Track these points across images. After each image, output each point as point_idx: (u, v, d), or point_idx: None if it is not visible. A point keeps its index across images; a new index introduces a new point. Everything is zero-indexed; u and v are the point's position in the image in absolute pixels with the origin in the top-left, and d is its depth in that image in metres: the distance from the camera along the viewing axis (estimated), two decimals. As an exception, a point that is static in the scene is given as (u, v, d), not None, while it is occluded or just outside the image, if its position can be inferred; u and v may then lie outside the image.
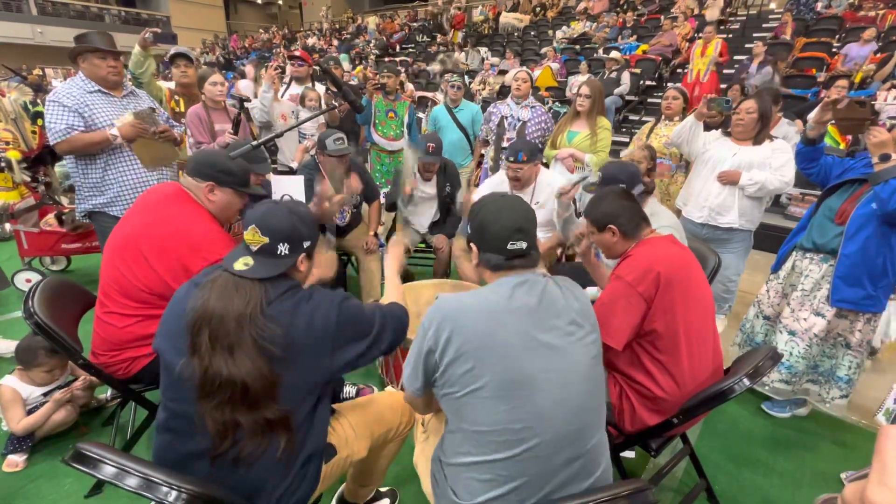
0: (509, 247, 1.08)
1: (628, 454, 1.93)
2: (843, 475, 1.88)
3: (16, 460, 1.76)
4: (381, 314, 1.19)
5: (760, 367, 1.31)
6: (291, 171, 3.41)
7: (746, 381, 1.27)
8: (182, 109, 3.12)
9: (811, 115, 4.84)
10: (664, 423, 1.40)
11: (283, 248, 1.07)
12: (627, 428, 1.47)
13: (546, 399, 0.98)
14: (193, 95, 3.26)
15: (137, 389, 1.64)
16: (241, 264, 1.05)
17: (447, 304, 1.05)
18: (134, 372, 1.58)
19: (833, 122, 2.01)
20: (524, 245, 1.09)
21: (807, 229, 2.09)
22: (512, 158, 2.51)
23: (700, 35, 6.70)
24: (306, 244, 1.12)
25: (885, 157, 1.74)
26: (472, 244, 1.17)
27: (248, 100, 3.12)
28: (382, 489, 1.65)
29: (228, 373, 0.97)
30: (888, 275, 1.85)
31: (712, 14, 8.31)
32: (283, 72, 3.78)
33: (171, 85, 3.36)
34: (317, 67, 3.88)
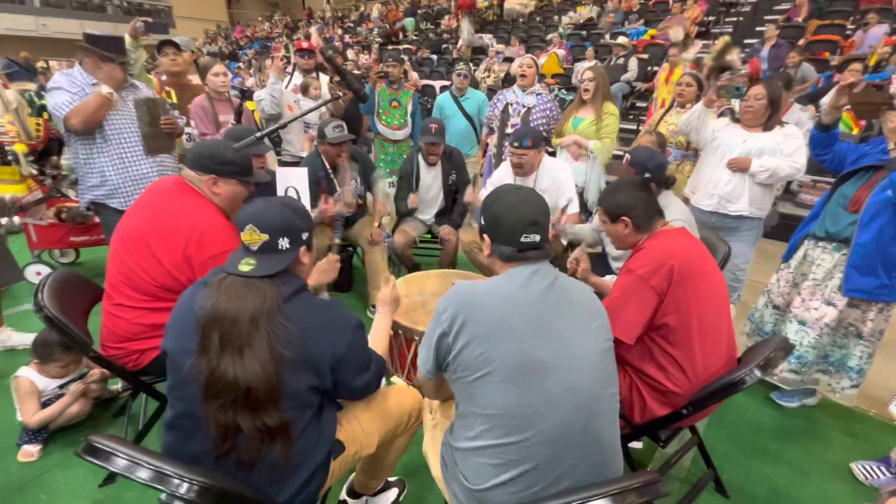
0: (523, 239, 1.08)
1: (636, 444, 1.94)
2: (852, 465, 1.87)
3: (31, 450, 1.79)
4: (376, 357, 1.24)
5: (772, 359, 1.30)
6: (299, 162, 3.41)
7: (758, 373, 1.26)
8: (174, 100, 3.10)
9: (825, 100, 4.75)
10: (674, 415, 1.39)
11: (283, 243, 1.07)
12: (637, 419, 1.47)
13: (556, 384, 0.99)
14: (184, 85, 3.23)
15: (148, 381, 1.65)
16: (245, 265, 1.04)
17: (462, 290, 1.08)
18: (144, 364, 1.59)
19: (849, 106, 1.96)
20: (538, 238, 1.09)
21: (819, 217, 2.05)
22: (517, 144, 2.48)
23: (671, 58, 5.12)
24: (305, 235, 1.12)
25: None
26: (484, 235, 1.17)
27: (251, 91, 3.10)
28: (391, 479, 1.66)
29: (234, 375, 0.96)
30: None
31: (676, 34, 6.88)
32: (289, 62, 3.74)
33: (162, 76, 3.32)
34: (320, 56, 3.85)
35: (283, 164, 3.57)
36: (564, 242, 2.45)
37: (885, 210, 1.79)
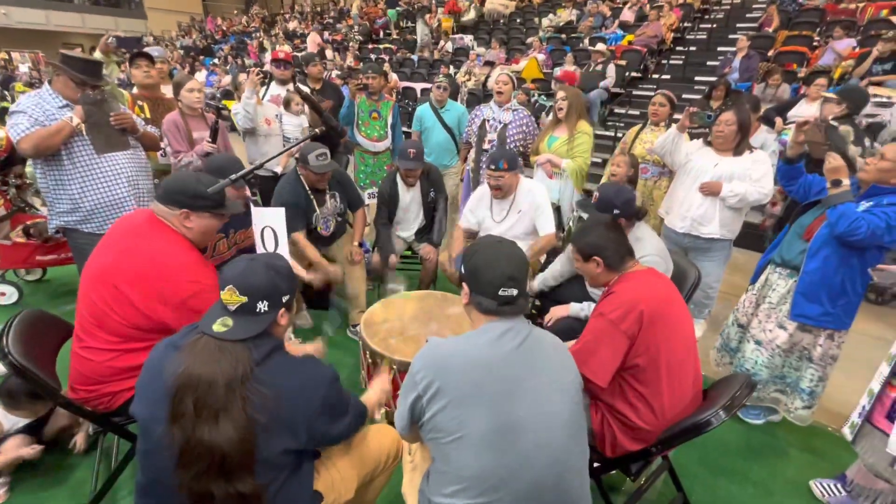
0: (501, 293, 1.11)
1: (609, 471, 1.99)
2: (812, 483, 1.97)
3: (-3, 493, 1.74)
4: (355, 401, 1.25)
5: (737, 398, 1.36)
6: (276, 177, 3.36)
7: (723, 415, 1.32)
8: (147, 115, 3.01)
9: (792, 113, 4.90)
10: (643, 451, 1.44)
11: (262, 306, 1.06)
12: (608, 453, 1.52)
13: (529, 443, 1.01)
14: (157, 98, 3.14)
15: (119, 422, 1.61)
16: (220, 325, 1.02)
17: (435, 352, 1.09)
18: (116, 406, 1.55)
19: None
20: (515, 292, 1.11)
21: (780, 244, 2.15)
22: (493, 167, 2.51)
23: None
24: (285, 298, 1.11)
25: (837, 183, 1.83)
26: (463, 284, 1.20)
27: (226, 109, 3.03)
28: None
29: (210, 441, 0.95)
30: (847, 294, 1.92)
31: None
32: (267, 76, 3.67)
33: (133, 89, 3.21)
34: (297, 79, 3.80)
35: (260, 178, 3.51)
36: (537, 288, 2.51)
37: (829, 241, 1.90)
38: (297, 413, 1.05)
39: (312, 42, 11.50)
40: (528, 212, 2.66)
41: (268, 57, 9.45)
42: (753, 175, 2.47)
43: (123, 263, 1.50)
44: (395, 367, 1.97)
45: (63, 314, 1.80)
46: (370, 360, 2.11)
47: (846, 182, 1.82)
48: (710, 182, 2.53)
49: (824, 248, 1.91)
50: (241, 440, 0.97)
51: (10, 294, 2.97)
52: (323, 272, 2.55)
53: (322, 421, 1.10)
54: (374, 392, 1.49)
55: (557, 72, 7.17)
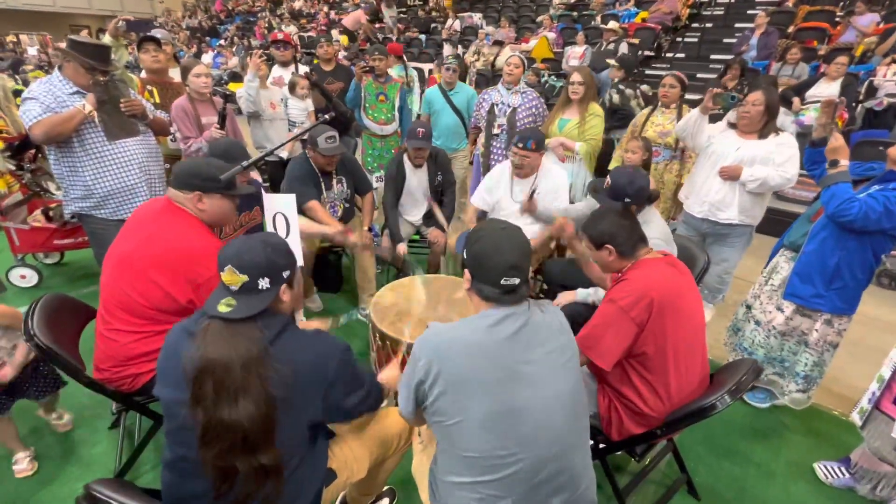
0: (503, 282, 1.11)
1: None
2: (815, 465, 1.99)
3: (23, 468, 1.82)
4: (371, 378, 1.26)
5: (742, 383, 1.38)
6: (283, 162, 3.37)
7: (728, 399, 1.33)
8: (157, 100, 3.02)
9: (811, 92, 4.76)
10: (648, 434, 1.47)
11: (263, 283, 1.07)
12: (614, 436, 1.55)
13: (530, 426, 1.04)
14: (166, 83, 3.14)
15: (142, 401, 1.68)
16: (225, 306, 1.04)
17: (435, 337, 1.11)
18: (138, 386, 1.61)
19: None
20: (517, 281, 1.12)
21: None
22: (521, 145, 2.50)
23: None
24: (286, 274, 1.12)
25: (834, 164, 1.82)
26: (465, 269, 1.20)
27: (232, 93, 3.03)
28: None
29: (230, 421, 0.99)
30: (843, 277, 1.91)
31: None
32: (270, 59, 3.65)
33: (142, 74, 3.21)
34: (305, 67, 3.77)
35: (268, 164, 3.52)
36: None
37: (828, 223, 1.89)
38: (312, 384, 1.08)
39: (354, 20, 10.74)
40: (546, 195, 2.65)
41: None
42: (777, 159, 2.39)
43: (147, 249, 1.54)
44: (403, 348, 2.01)
45: (81, 296, 1.85)
46: (379, 343, 2.16)
47: (843, 162, 1.81)
48: (729, 166, 2.47)
49: (825, 230, 1.91)
50: (260, 417, 1.01)
51: (30, 277, 3.05)
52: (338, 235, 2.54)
53: (337, 391, 1.13)
54: (389, 374, 1.52)
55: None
